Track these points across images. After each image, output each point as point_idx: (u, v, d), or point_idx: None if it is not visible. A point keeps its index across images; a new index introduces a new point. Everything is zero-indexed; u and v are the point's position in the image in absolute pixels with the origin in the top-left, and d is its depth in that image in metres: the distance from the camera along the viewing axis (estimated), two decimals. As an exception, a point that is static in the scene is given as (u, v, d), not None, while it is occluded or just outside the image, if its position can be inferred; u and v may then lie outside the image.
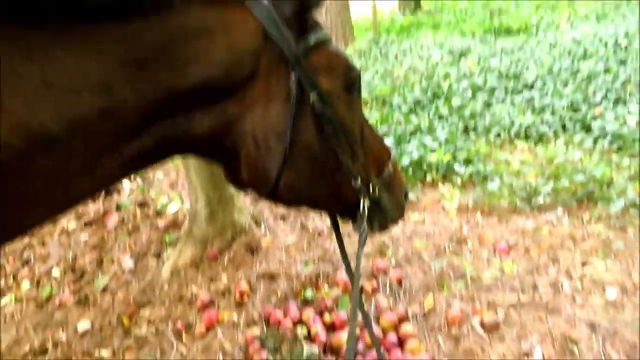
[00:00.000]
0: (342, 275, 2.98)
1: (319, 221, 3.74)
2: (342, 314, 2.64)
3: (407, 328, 2.51)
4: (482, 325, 2.53)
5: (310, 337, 2.53)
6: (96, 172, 0.95)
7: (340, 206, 1.41)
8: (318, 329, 2.55)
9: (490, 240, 3.37)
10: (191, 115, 1.06)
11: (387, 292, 2.88)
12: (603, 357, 2.26)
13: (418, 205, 4.11)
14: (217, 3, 1.05)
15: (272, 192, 1.24)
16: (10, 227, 0.88)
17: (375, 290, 2.87)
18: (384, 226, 1.49)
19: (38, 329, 2.91)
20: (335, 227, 1.54)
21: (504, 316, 2.58)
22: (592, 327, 2.43)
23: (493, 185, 4.06)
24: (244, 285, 3.00)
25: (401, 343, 2.44)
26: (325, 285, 2.98)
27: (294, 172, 1.20)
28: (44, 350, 2.73)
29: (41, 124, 0.82)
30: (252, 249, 3.42)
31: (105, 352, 2.64)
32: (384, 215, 1.44)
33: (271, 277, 3.10)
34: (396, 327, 2.53)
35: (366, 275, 3.03)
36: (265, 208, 4.02)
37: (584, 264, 2.98)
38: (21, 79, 0.80)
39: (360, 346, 2.41)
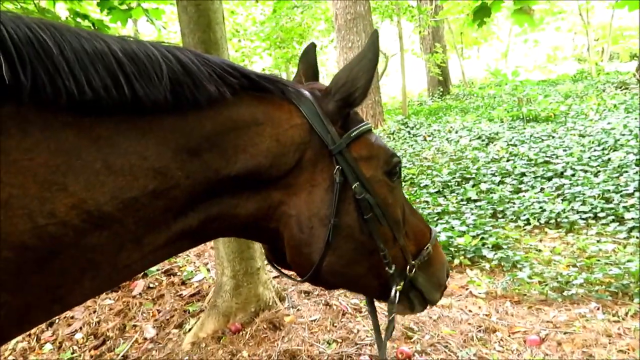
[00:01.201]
0: (365, 358, 2.90)
1: (344, 300, 3.70)
2: (365, 401, 2.55)
3: (432, 421, 2.39)
4: (512, 423, 2.40)
5: None
6: (143, 248, 1.00)
7: (378, 288, 1.41)
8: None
9: (520, 330, 3.25)
10: (237, 198, 1.13)
11: (412, 380, 2.78)
12: None
13: (445, 291, 4.02)
14: (266, 99, 1.15)
15: (314, 275, 1.27)
16: (65, 300, 0.92)
17: (400, 376, 2.77)
18: (423, 306, 1.51)
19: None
20: (372, 308, 1.58)
21: (536, 415, 2.45)
22: None
23: (523, 274, 3.98)
24: (264, 363, 2.94)
25: None
26: None
27: (336, 256, 1.24)
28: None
29: (97, 204, 0.89)
30: (275, 325, 3.38)
31: None
32: (422, 294, 1.46)
33: (293, 356, 3.04)
34: (420, 419, 2.42)
35: (390, 361, 2.94)
36: (290, 283, 4.00)
37: (620, 363, 2.83)
38: (85, 164, 0.88)
39: None
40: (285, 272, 1.45)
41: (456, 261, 4.45)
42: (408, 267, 1.37)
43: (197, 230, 1.10)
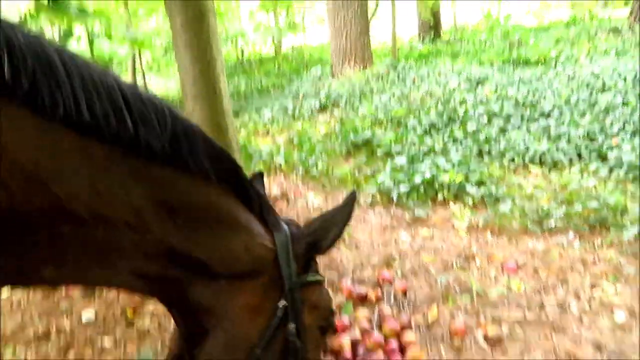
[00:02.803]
0: (346, 283, 2.97)
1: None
2: (345, 319, 2.62)
3: (409, 336, 2.48)
4: (486, 338, 2.50)
5: (311, 340, 2.51)
6: (115, 264, 1.03)
7: None
8: (320, 332, 2.53)
9: (498, 258, 3.34)
10: (192, 277, 1.14)
11: (392, 301, 2.86)
12: (608, 378, 2.21)
13: (428, 222, 4.10)
14: (249, 213, 1.18)
15: None
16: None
17: (379, 299, 2.85)
18: None
19: (43, 316, 2.94)
20: None
21: (508, 331, 2.55)
22: (598, 347, 2.39)
23: (505, 207, 4.04)
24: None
25: (402, 350, 2.42)
26: (330, 292, 2.97)
27: None
28: (47, 336, 2.75)
29: (71, 205, 0.90)
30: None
31: (107, 342, 2.65)
32: None
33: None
34: (398, 335, 2.51)
35: (371, 285, 3.02)
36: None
37: (593, 286, 2.94)
38: (71, 171, 0.89)
39: (361, 350, 2.40)
40: None
41: (440, 196, 4.50)
42: None
43: (152, 277, 1.10)
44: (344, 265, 3.29)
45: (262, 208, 1.21)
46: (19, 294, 3.23)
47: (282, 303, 1.21)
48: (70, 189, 0.89)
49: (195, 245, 1.08)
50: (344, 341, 2.43)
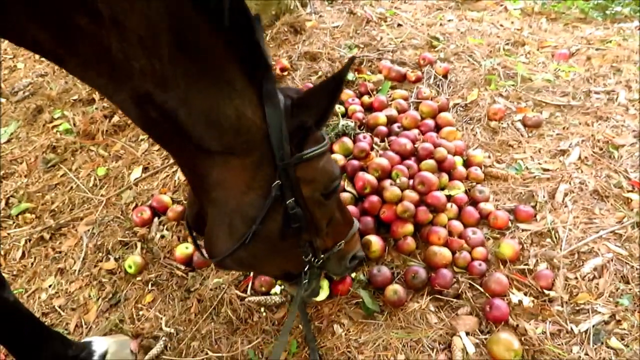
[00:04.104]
0: (386, 63, 2.87)
1: (369, 9, 3.50)
2: (382, 97, 2.60)
3: (445, 115, 2.47)
4: (524, 122, 2.48)
5: (347, 115, 2.54)
6: (118, 80, 1.01)
7: (282, 276, 1.63)
8: (356, 108, 2.54)
9: (550, 44, 3.12)
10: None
11: (431, 83, 2.79)
12: (641, 164, 2.22)
13: (478, 5, 3.76)
14: (245, 79, 1.08)
15: (221, 261, 1.36)
16: None
17: (419, 79, 2.77)
18: (315, 292, 1.75)
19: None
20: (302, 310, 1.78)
21: (549, 116, 2.51)
22: (639, 136, 2.35)
23: (567, -11, 3.63)
24: (285, 62, 2.94)
25: (438, 129, 2.44)
26: (368, 71, 2.90)
27: (247, 253, 1.31)
28: (91, 100, 2.86)
29: None
30: (296, 29, 3.28)
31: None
32: (327, 274, 1.70)
33: (313, 58, 3.02)
34: (435, 115, 2.49)
35: (412, 66, 2.91)
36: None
37: (647, 78, 2.77)
38: None
39: (396, 127, 2.42)
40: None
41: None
42: (315, 260, 1.47)
43: (148, 119, 1.09)
44: (383, 44, 3.13)
45: (263, 78, 1.12)
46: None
47: (276, 183, 1.19)
48: None
49: (195, 96, 1.04)
50: (380, 118, 2.45)
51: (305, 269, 1.48)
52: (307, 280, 1.50)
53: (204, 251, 1.44)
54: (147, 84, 0.99)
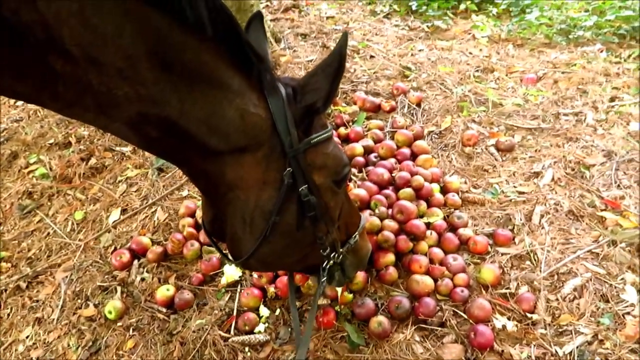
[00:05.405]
0: (360, 94, 2.93)
1: (341, 42, 3.57)
2: (358, 128, 2.64)
3: (421, 143, 2.51)
4: (497, 147, 2.53)
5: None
6: (109, 113, 1.01)
7: (303, 268, 1.65)
8: (333, 140, 2.57)
9: (518, 70, 3.22)
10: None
11: (406, 112, 2.84)
12: (613, 182, 2.27)
13: (447, 34, 3.88)
14: (244, 72, 1.09)
15: (246, 261, 1.37)
16: None
17: (393, 109, 2.83)
18: (341, 282, 1.71)
19: (61, 125, 2.99)
20: (291, 285, 1.75)
21: (521, 139, 2.57)
22: (609, 155, 2.41)
23: (531, 16, 3.77)
24: (261, 98, 2.97)
25: (414, 157, 2.47)
26: (343, 103, 2.95)
27: (269, 246, 1.32)
28: (67, 144, 2.84)
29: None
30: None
31: (125, 149, 2.73)
32: (343, 272, 1.66)
33: (289, 92, 3.06)
34: (410, 144, 2.54)
35: (385, 96, 2.97)
36: (286, 26, 3.83)
37: (612, 99, 2.86)
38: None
39: (373, 157, 2.46)
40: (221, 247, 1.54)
41: (462, 6, 4.19)
42: (335, 254, 1.51)
43: (149, 139, 1.09)
44: (357, 75, 3.20)
45: (259, 70, 1.11)
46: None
47: (287, 171, 1.19)
48: (57, 9, 0.83)
49: (191, 107, 1.03)
50: (357, 149, 2.48)
51: (324, 265, 1.52)
52: (325, 278, 1.54)
53: (228, 255, 1.46)
54: (137, 107, 0.99)
